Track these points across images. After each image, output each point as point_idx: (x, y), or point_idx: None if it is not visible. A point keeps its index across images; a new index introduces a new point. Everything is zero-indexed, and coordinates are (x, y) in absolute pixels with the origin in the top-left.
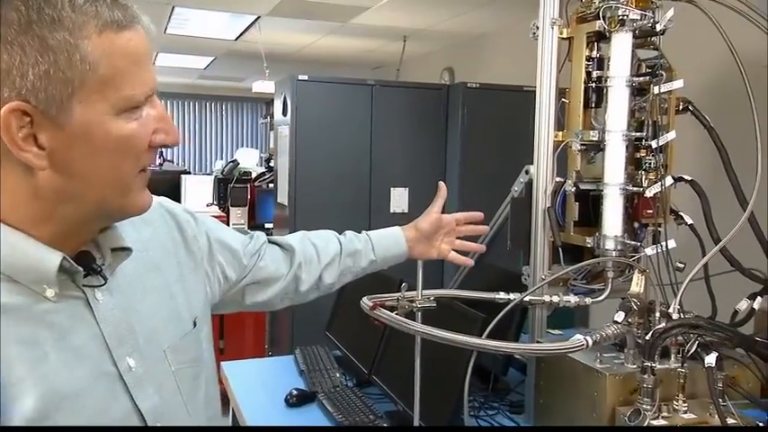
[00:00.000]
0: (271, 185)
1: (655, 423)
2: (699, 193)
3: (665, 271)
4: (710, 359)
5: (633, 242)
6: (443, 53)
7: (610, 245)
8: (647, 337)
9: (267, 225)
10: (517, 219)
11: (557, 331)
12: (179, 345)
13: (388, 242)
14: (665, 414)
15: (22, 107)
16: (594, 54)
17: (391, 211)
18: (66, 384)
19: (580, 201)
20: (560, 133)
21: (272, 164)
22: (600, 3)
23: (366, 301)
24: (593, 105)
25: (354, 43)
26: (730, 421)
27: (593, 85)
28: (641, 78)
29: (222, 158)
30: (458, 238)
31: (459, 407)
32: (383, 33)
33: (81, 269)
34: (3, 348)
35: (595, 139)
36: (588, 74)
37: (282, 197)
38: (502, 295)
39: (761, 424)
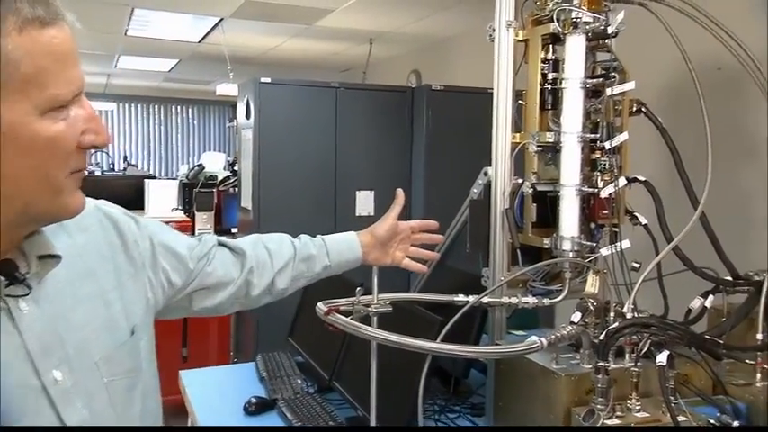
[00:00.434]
0: (236, 190)
1: (608, 423)
2: (652, 194)
3: (622, 271)
4: (662, 358)
5: (589, 243)
6: (410, 56)
7: (567, 246)
8: (601, 338)
9: (233, 230)
10: (476, 221)
11: (520, 332)
12: (113, 355)
13: (342, 247)
14: (618, 413)
15: None
16: (550, 56)
17: (357, 214)
18: None
19: (538, 202)
20: (518, 135)
21: (237, 168)
22: (554, 5)
23: (321, 306)
24: (550, 107)
25: (320, 46)
26: (681, 419)
27: (549, 87)
28: (595, 80)
29: (189, 163)
30: (413, 245)
31: (416, 410)
32: (349, 36)
33: (2, 278)
34: None
35: (552, 140)
36: (544, 76)
37: (246, 201)
38: (461, 297)
39: (712, 421)
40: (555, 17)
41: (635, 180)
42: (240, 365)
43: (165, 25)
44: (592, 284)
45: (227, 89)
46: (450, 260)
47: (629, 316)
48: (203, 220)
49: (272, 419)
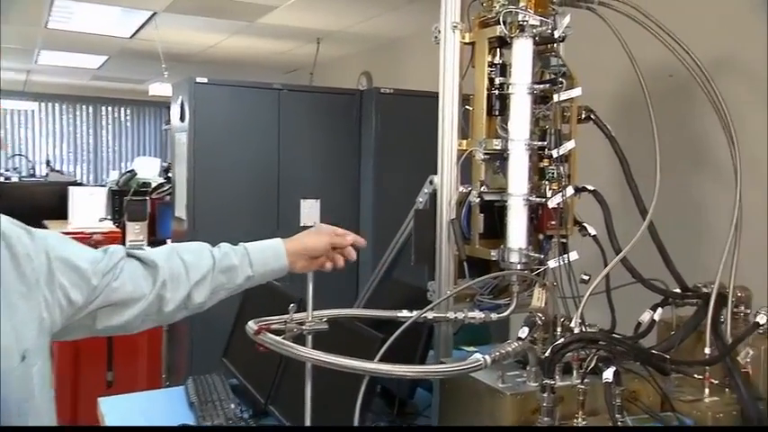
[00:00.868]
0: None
1: None
2: (601, 203)
3: (570, 284)
4: (608, 374)
5: (538, 255)
6: (360, 57)
7: (514, 258)
8: (546, 354)
9: (168, 241)
10: (421, 232)
11: (471, 348)
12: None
13: (267, 256)
14: None
15: None
16: (497, 60)
17: (301, 224)
18: None
19: (485, 212)
20: (464, 142)
21: (170, 174)
22: (500, 8)
23: (251, 325)
24: (497, 113)
25: (264, 45)
26: None
27: (496, 92)
28: (542, 86)
29: (120, 168)
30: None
31: None
32: (295, 35)
33: None
34: None
35: (499, 148)
36: (491, 80)
37: (180, 210)
38: (405, 313)
39: None
40: (501, 20)
41: (584, 189)
42: (169, 390)
43: (91, 18)
44: (538, 298)
45: (161, 89)
46: (396, 272)
47: (576, 331)
48: (135, 230)
49: None
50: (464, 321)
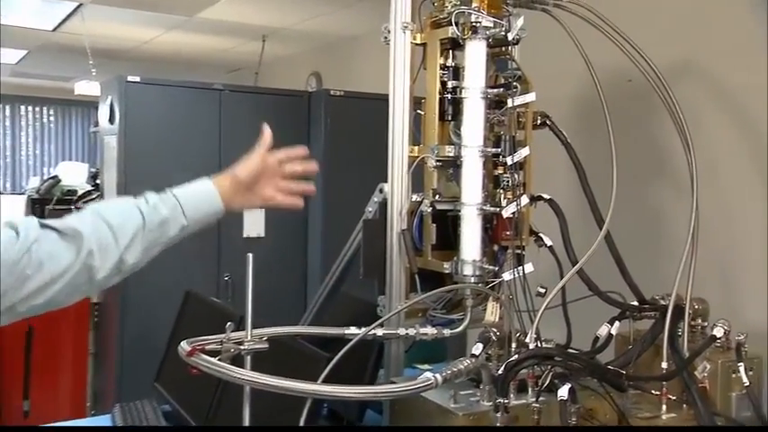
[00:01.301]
0: None
1: None
2: (557, 213)
3: (525, 297)
4: (563, 391)
5: (492, 267)
6: (309, 56)
7: (468, 270)
8: (500, 372)
9: None
10: (370, 243)
11: (425, 366)
12: None
13: (199, 200)
14: None
15: None
16: (450, 62)
17: (245, 235)
18: None
19: (438, 222)
20: (416, 148)
21: (99, 181)
22: (452, 8)
23: (184, 346)
24: (450, 118)
25: (205, 41)
26: None
27: (449, 96)
28: (496, 90)
29: (42, 174)
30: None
31: None
32: (238, 31)
33: None
34: None
35: (452, 154)
36: (443, 83)
37: None
38: (353, 330)
39: None
40: (453, 20)
41: (539, 198)
42: (95, 419)
43: (8, 7)
44: (492, 312)
45: (88, 88)
46: (346, 286)
47: (531, 346)
48: None
49: None
50: (416, 338)
